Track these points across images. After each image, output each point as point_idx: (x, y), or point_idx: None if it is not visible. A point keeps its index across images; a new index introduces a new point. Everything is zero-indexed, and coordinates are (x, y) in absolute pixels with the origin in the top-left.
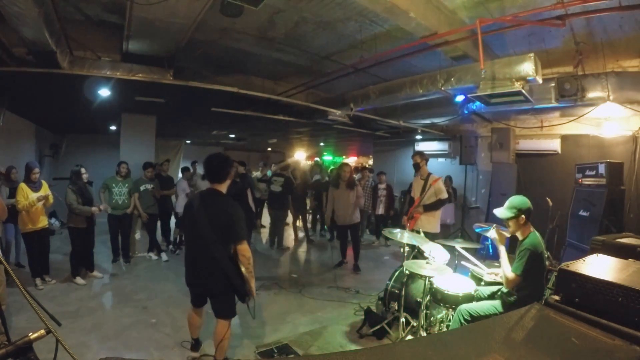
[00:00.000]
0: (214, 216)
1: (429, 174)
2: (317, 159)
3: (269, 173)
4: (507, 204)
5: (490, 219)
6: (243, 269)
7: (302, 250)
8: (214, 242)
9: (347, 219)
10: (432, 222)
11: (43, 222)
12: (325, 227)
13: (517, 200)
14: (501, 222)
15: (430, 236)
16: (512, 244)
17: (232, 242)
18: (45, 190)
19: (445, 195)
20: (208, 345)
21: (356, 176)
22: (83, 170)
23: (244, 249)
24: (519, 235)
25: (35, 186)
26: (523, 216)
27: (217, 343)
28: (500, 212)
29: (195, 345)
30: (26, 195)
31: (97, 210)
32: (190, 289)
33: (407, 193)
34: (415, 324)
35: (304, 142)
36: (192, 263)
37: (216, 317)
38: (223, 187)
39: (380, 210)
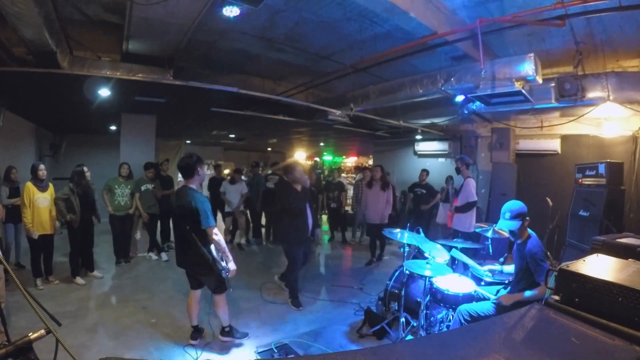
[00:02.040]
0: (184, 208)
1: (467, 177)
2: (316, 158)
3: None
4: (508, 214)
5: (490, 219)
6: (214, 250)
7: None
8: (187, 230)
9: (372, 218)
10: (464, 221)
11: (49, 227)
12: (324, 227)
13: (516, 206)
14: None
15: (464, 235)
16: (510, 244)
17: (202, 228)
18: (51, 192)
19: (473, 198)
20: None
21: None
22: (85, 169)
23: (211, 232)
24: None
25: (42, 186)
26: (527, 218)
27: (218, 312)
28: (507, 224)
29: (195, 333)
30: (31, 194)
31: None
32: (184, 269)
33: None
34: (415, 324)
35: (304, 142)
36: (178, 248)
37: (211, 292)
38: (192, 183)
39: None
